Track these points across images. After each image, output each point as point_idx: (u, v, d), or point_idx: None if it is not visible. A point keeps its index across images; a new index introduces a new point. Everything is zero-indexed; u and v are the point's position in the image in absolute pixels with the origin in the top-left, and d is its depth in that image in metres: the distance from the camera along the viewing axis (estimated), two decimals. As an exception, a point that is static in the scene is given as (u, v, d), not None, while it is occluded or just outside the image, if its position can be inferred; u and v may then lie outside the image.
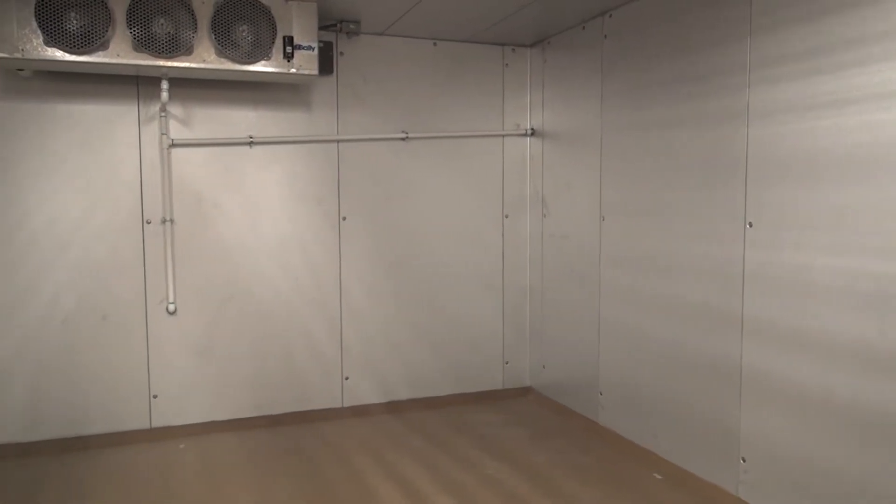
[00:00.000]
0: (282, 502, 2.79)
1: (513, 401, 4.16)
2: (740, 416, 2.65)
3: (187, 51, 3.06)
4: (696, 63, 2.83)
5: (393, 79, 3.85)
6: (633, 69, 3.20)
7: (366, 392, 3.90)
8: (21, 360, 3.29)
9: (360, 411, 3.87)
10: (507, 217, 4.15)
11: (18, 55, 2.85)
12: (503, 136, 4.11)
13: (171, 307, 3.50)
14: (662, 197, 3.04)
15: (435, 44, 3.92)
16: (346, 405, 3.85)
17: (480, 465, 3.16)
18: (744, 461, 2.64)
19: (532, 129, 4.12)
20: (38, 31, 2.85)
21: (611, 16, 3.35)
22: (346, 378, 3.85)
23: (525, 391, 4.24)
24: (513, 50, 4.10)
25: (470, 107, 4.02)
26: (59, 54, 2.89)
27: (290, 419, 3.73)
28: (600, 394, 3.52)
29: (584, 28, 3.57)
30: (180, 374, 3.55)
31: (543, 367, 4.08)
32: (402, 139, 3.88)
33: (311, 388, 3.78)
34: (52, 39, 2.86)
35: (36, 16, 2.83)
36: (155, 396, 3.51)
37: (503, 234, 4.14)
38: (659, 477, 3.02)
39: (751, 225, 2.58)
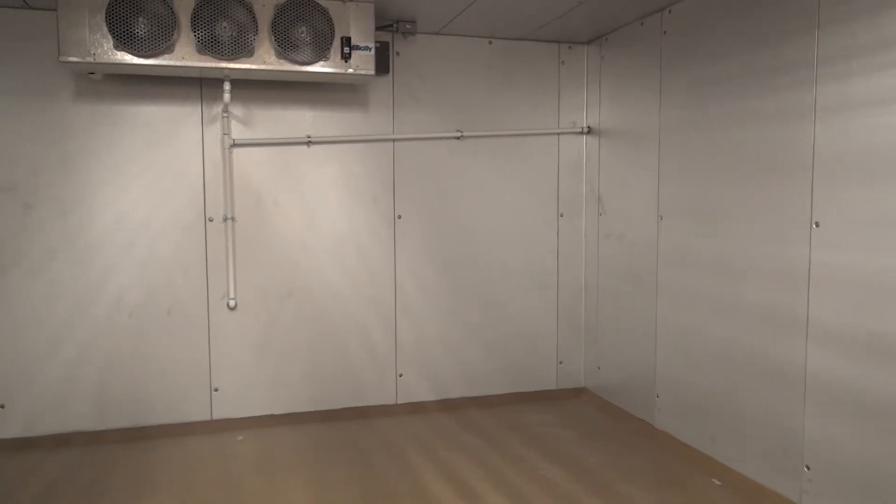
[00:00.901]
0: (336, 495, 2.84)
1: (567, 401, 4.12)
2: (804, 423, 2.57)
3: (248, 53, 3.13)
4: (760, 58, 2.74)
5: (448, 78, 3.86)
6: (693, 65, 3.13)
7: (420, 389, 3.92)
8: (91, 351, 3.43)
9: (413, 408, 3.90)
10: (562, 216, 4.11)
11: (90, 59, 2.97)
12: (559, 134, 4.07)
13: (232, 303, 3.59)
14: (723, 196, 2.96)
15: (490, 42, 3.91)
16: (400, 402, 3.89)
17: (534, 466, 3.14)
18: (808, 469, 2.56)
19: (588, 127, 4.07)
20: (109, 36, 2.96)
21: (670, 11, 3.28)
22: (401, 375, 3.88)
23: (579, 392, 4.20)
24: (569, 47, 4.06)
25: (525, 105, 4.00)
26: (128, 58, 3.00)
27: (346, 415, 3.79)
28: (657, 396, 3.45)
29: (642, 24, 3.51)
30: (240, 369, 3.64)
31: (598, 367, 4.03)
32: (457, 138, 3.88)
33: (365, 384, 3.83)
34: (122, 44, 2.98)
35: (107, 21, 2.95)
36: (216, 389, 3.61)
37: (558, 234, 4.11)
38: (717, 483, 2.95)
39: (817, 225, 2.49)
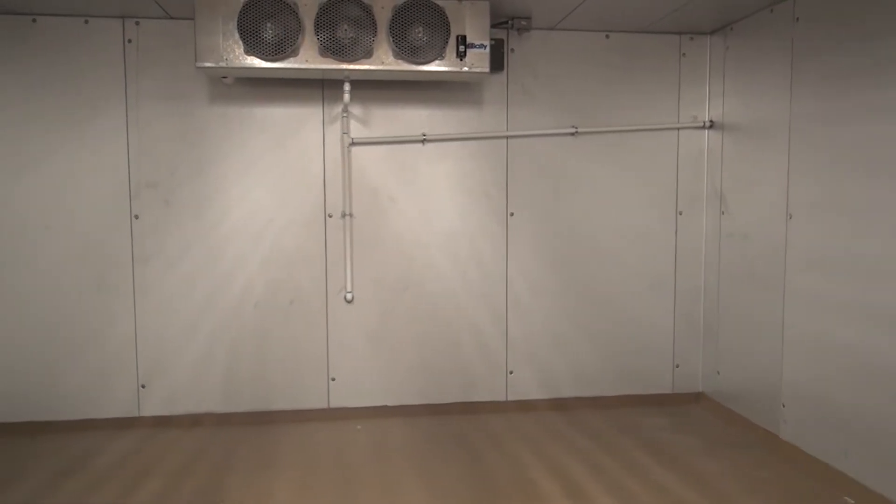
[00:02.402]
0: (447, 487, 2.88)
1: (683, 406, 3.97)
2: (954, 442, 2.35)
3: (367, 54, 3.23)
4: (907, 43, 2.53)
5: (563, 73, 3.81)
6: (831, 53, 2.92)
7: (530, 387, 3.90)
8: (220, 339, 3.66)
9: (523, 406, 3.89)
10: (681, 214, 3.96)
11: (223, 64, 3.16)
12: (678, 129, 3.92)
13: (349, 296, 3.72)
14: (864, 193, 2.75)
15: (607, 36, 3.83)
16: (510, 399, 3.89)
17: (647, 470, 3.05)
18: (957, 492, 2.34)
19: (710, 121, 3.90)
20: (240, 42, 3.14)
21: (804, -4, 3.09)
22: (511, 372, 3.88)
23: (697, 397, 4.03)
24: (691, 38, 3.90)
25: (643, 100, 3.88)
26: (257, 62, 3.18)
27: (455, 409, 3.83)
28: (783, 406, 3.26)
29: (772, 11, 3.32)
30: (356, 360, 3.77)
31: (718, 372, 3.86)
32: (572, 134, 3.83)
33: (475, 380, 3.86)
34: (251, 49, 3.15)
35: (238, 28, 3.13)
36: (333, 379, 3.76)
37: (676, 232, 3.96)
38: (850, 501, 2.75)
39: (973, 225, 2.27)
